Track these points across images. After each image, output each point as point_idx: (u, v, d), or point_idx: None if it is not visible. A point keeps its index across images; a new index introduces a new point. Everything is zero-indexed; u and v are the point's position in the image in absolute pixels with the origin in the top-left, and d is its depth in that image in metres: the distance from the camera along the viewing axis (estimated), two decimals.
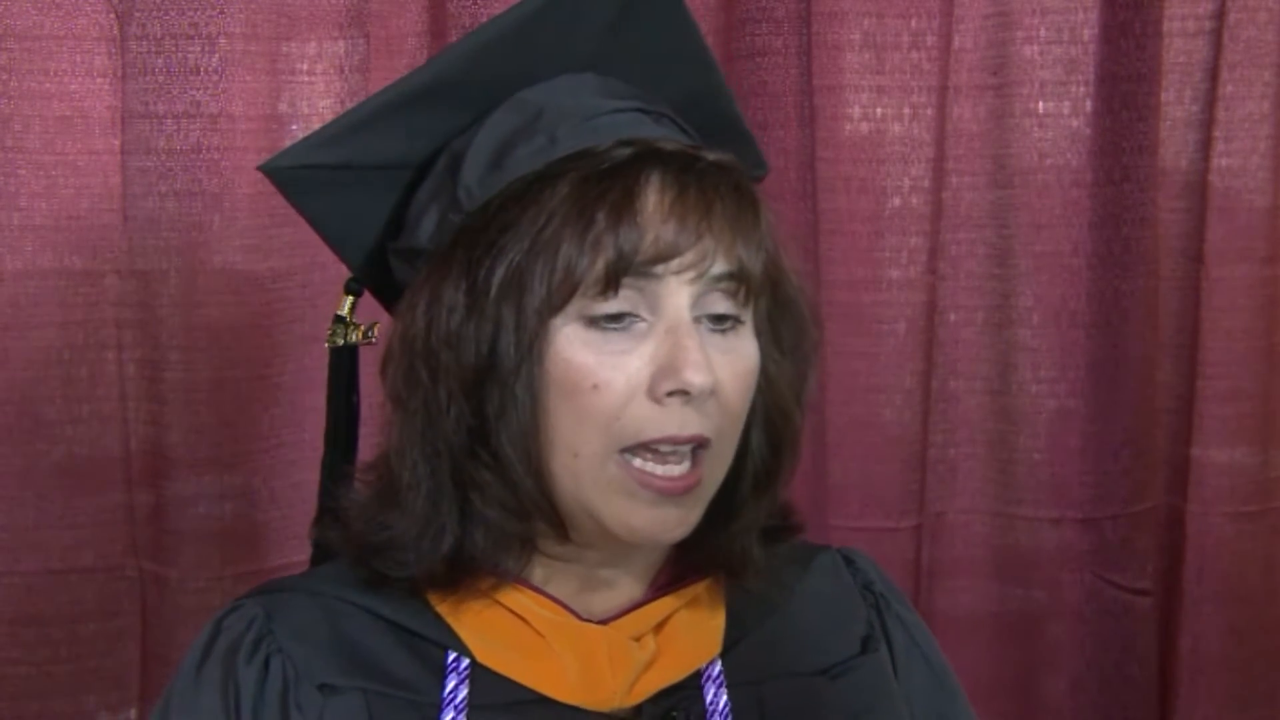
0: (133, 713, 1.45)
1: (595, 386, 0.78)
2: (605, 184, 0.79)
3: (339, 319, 0.94)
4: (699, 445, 0.80)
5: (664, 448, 0.79)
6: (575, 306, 0.78)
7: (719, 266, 0.80)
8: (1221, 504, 1.64)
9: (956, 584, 1.64)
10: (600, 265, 0.77)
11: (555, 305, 0.78)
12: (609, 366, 0.78)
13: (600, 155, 0.80)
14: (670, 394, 0.78)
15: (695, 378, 0.77)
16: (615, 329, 0.79)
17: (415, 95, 0.86)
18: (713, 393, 0.78)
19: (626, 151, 0.80)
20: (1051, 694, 1.65)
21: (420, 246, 0.85)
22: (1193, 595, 1.64)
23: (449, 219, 0.83)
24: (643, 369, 0.78)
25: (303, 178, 0.88)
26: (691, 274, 0.79)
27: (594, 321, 0.79)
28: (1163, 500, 1.67)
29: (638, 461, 0.79)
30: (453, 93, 0.85)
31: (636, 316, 0.79)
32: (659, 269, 0.78)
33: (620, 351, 0.78)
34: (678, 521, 0.81)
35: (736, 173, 0.83)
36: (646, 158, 0.80)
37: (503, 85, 0.85)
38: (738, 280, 0.80)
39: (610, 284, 0.78)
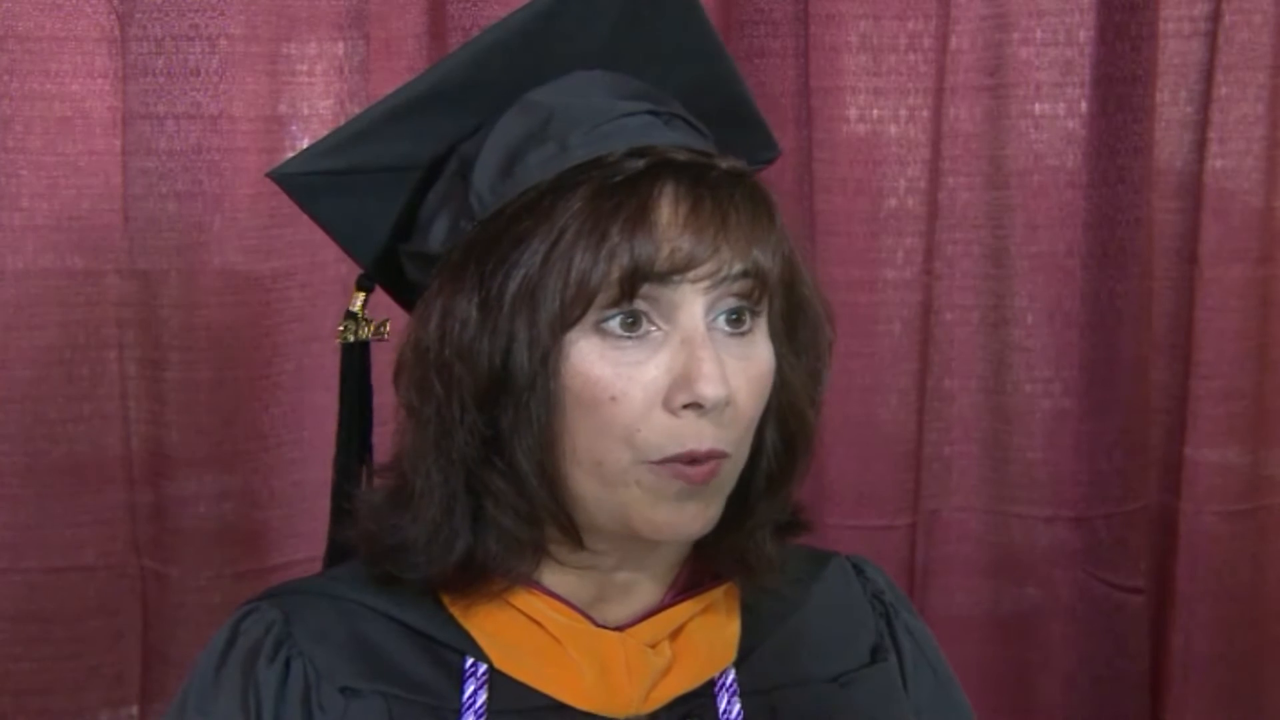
0: (134, 710, 1.46)
1: (613, 399, 0.78)
2: (619, 197, 0.78)
3: (350, 315, 0.93)
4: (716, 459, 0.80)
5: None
6: (590, 319, 0.78)
7: (733, 269, 0.79)
8: (1214, 503, 1.64)
9: (950, 581, 1.65)
10: (615, 278, 0.77)
11: (569, 320, 0.78)
12: (625, 378, 0.78)
13: (613, 166, 0.80)
14: (685, 406, 0.77)
15: (709, 390, 0.76)
16: (630, 339, 0.78)
17: (420, 100, 0.85)
18: (728, 403, 0.78)
19: (639, 163, 0.80)
20: (1044, 690, 1.66)
21: (432, 251, 0.84)
22: (1185, 593, 1.65)
23: (460, 225, 0.83)
24: (659, 379, 0.78)
25: (311, 184, 0.88)
26: (707, 283, 0.79)
27: (609, 334, 0.78)
28: (1155, 499, 1.67)
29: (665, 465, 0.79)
30: (459, 96, 0.85)
31: (652, 325, 0.79)
32: (675, 279, 0.78)
33: (635, 363, 0.78)
34: (697, 515, 0.81)
35: (749, 178, 0.82)
36: (660, 169, 0.80)
37: (511, 86, 0.85)
38: (751, 279, 0.80)
39: (625, 296, 0.77)
